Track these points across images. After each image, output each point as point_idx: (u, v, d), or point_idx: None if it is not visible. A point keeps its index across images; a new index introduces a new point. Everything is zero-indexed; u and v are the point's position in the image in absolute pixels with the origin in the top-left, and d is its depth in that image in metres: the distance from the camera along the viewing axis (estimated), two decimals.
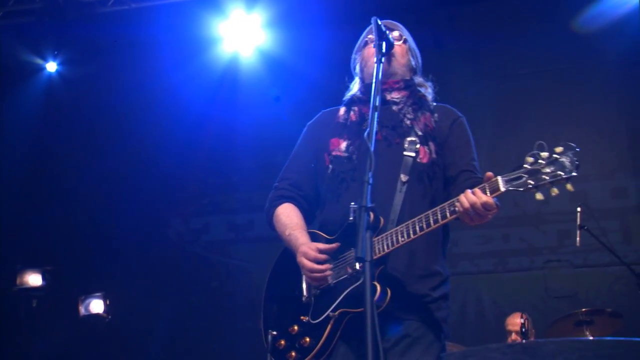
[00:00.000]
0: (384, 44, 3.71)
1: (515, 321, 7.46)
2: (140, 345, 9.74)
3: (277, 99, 9.79)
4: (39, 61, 10.49)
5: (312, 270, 3.71)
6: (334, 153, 3.98)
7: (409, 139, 3.85)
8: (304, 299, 3.82)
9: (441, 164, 3.88)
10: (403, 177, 3.76)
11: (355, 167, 3.86)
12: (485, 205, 3.36)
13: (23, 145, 10.40)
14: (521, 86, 9.31)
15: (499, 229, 9.07)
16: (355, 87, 4.16)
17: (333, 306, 3.66)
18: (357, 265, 3.54)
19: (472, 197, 3.38)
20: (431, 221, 3.48)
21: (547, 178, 3.24)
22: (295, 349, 3.76)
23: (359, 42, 4.23)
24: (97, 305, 9.35)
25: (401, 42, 4.10)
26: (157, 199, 10.07)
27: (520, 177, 3.30)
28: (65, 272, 9.84)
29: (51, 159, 10.68)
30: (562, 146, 3.25)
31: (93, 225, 10.20)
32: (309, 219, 4.09)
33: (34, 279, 9.41)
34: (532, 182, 3.27)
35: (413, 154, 3.81)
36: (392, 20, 4.22)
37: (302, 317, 3.79)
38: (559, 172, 3.22)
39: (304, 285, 3.84)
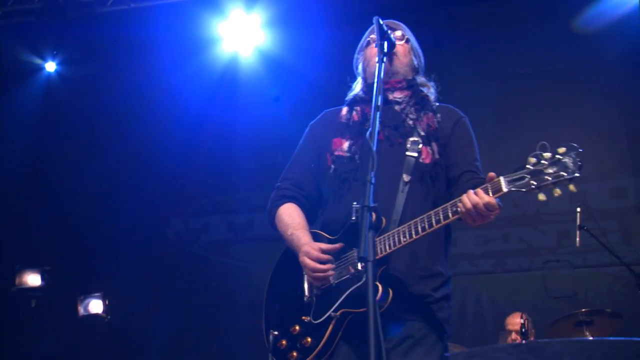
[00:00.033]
0: (385, 43, 3.71)
1: (515, 321, 7.47)
2: (139, 346, 9.74)
3: (276, 99, 9.79)
4: (38, 61, 10.47)
5: (315, 270, 3.70)
6: (336, 153, 3.97)
7: (411, 139, 3.85)
8: (305, 299, 3.82)
9: (443, 164, 3.88)
10: (405, 178, 3.76)
11: (358, 167, 3.85)
12: (487, 205, 3.36)
13: (22, 145, 10.39)
14: (521, 86, 9.32)
15: (499, 230, 9.07)
16: (357, 87, 4.16)
17: (335, 306, 3.66)
18: (359, 266, 3.53)
19: (474, 197, 3.37)
20: (433, 221, 3.47)
21: (550, 179, 3.23)
22: (297, 349, 3.76)
23: (361, 42, 4.23)
24: (96, 306, 9.34)
25: (403, 41, 4.10)
26: (156, 199, 10.07)
27: (522, 178, 3.29)
28: (64, 272, 9.82)
29: (50, 159, 10.68)
30: (565, 147, 3.24)
31: (92, 225, 10.19)
32: (311, 219, 4.08)
33: (32, 279, 9.40)
34: (535, 183, 3.26)
35: (415, 154, 3.81)
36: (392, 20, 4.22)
37: (303, 317, 3.79)
38: (562, 173, 3.21)
39: (306, 285, 3.83)
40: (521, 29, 9.26)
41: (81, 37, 9.99)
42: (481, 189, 3.38)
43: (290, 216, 4.01)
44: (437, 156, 3.86)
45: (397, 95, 4.00)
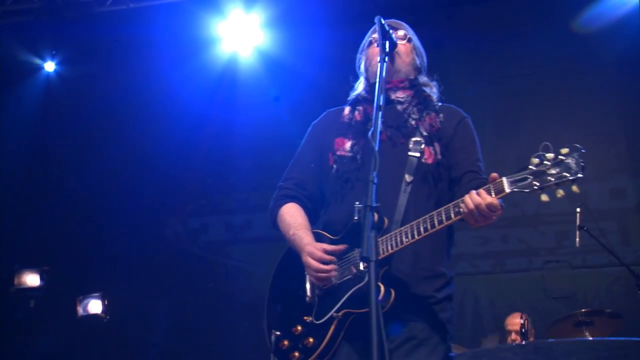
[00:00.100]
0: (387, 43, 3.71)
1: (515, 321, 7.47)
2: (138, 346, 9.73)
3: (276, 99, 9.77)
4: (37, 61, 10.46)
5: (318, 271, 3.69)
6: (338, 153, 3.97)
7: (413, 139, 3.84)
8: (307, 299, 3.81)
9: (446, 164, 3.87)
10: (407, 178, 3.75)
11: (360, 167, 3.85)
12: (490, 206, 3.35)
13: (21, 145, 10.38)
14: (520, 87, 9.32)
15: (498, 230, 9.07)
16: (360, 86, 4.16)
17: (337, 307, 3.65)
18: (362, 266, 3.53)
19: (476, 198, 3.36)
20: (435, 222, 3.46)
21: (553, 179, 3.22)
22: (299, 349, 3.75)
23: (363, 42, 4.23)
24: (95, 306, 9.33)
25: (405, 41, 4.10)
26: (155, 199, 10.05)
27: (525, 179, 3.28)
28: (63, 272, 9.81)
29: (49, 159, 10.67)
30: (567, 147, 3.23)
31: (91, 226, 10.19)
32: (313, 218, 4.07)
33: (31, 279, 9.39)
34: (538, 184, 3.25)
35: (418, 155, 3.80)
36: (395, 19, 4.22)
37: (305, 318, 3.78)
38: (565, 174, 3.20)
39: (308, 285, 3.83)
40: (521, 29, 9.27)
41: (80, 37, 9.97)
42: (484, 189, 3.38)
43: (292, 216, 4.00)
44: (439, 156, 3.85)
45: (399, 95, 4.00)
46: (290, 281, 3.95)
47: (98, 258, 9.99)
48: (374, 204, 3.07)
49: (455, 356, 6.14)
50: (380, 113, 3.37)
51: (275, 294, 4.09)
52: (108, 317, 9.38)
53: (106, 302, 9.37)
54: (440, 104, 4.06)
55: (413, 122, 3.90)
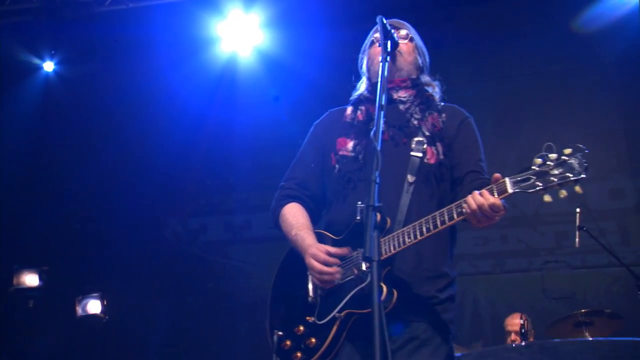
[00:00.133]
0: (389, 42, 3.69)
1: (515, 322, 7.46)
2: (137, 346, 9.73)
3: (276, 99, 9.77)
4: (36, 60, 10.46)
5: (321, 273, 3.68)
6: (340, 153, 3.96)
7: (416, 139, 3.83)
8: (309, 299, 3.80)
9: (448, 164, 3.86)
10: (410, 178, 3.74)
11: (362, 167, 3.84)
12: (492, 206, 3.34)
13: (20, 145, 10.36)
14: (520, 87, 9.33)
15: (497, 230, 9.07)
16: (362, 86, 4.14)
17: (339, 307, 3.64)
18: (364, 266, 3.53)
19: (479, 198, 3.36)
20: (438, 222, 3.46)
21: (556, 180, 3.22)
22: (301, 349, 3.74)
23: (365, 42, 4.22)
24: (94, 306, 9.32)
25: (407, 40, 4.09)
26: (154, 199, 10.05)
27: (528, 179, 3.28)
28: (62, 272, 9.80)
29: (48, 158, 10.65)
30: (570, 148, 3.24)
31: (90, 226, 10.19)
32: (316, 218, 4.06)
33: (30, 279, 9.37)
34: (540, 184, 3.25)
35: (420, 155, 3.79)
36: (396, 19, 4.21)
37: (307, 318, 3.77)
38: (568, 174, 3.21)
39: (310, 286, 3.81)
40: (521, 29, 9.27)
41: (79, 37, 9.98)
42: (486, 190, 3.37)
43: (295, 216, 3.99)
44: (441, 156, 3.84)
45: (401, 95, 3.99)
46: (292, 281, 3.93)
47: (97, 258, 9.99)
48: (377, 204, 3.06)
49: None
50: (382, 112, 3.34)
51: (277, 294, 4.06)
52: (107, 317, 9.37)
53: (105, 302, 9.36)
54: (442, 103, 4.05)
55: (415, 122, 3.89)
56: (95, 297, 9.33)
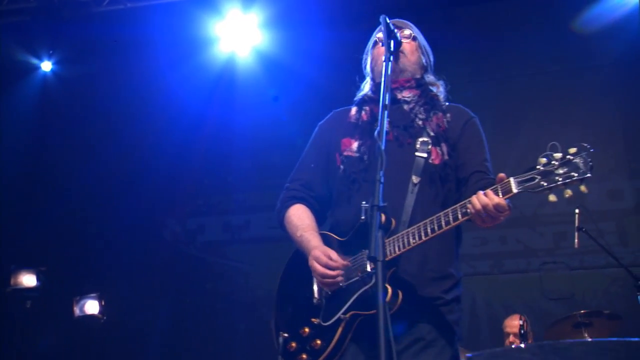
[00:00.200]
0: (392, 42, 3.69)
1: (514, 323, 7.44)
2: (135, 347, 9.70)
3: (275, 99, 9.75)
4: (34, 60, 10.45)
5: (324, 276, 3.68)
6: (345, 153, 3.95)
7: (420, 139, 3.83)
8: (315, 300, 3.79)
9: (453, 165, 3.85)
10: (415, 179, 3.74)
11: (367, 168, 3.83)
12: (497, 207, 3.34)
13: (18, 145, 10.34)
14: (520, 87, 9.32)
15: (496, 231, 9.05)
16: (366, 87, 4.14)
17: (344, 308, 3.63)
18: (369, 267, 3.53)
19: (484, 198, 3.35)
20: (443, 223, 3.45)
21: (561, 179, 3.22)
22: (306, 351, 3.73)
23: (369, 42, 4.21)
24: (92, 306, 9.28)
25: (410, 39, 4.09)
26: (152, 199, 10.01)
27: (533, 179, 3.27)
28: (59, 272, 9.75)
29: (46, 158, 10.63)
30: (575, 147, 3.23)
31: (88, 226, 10.15)
32: (321, 219, 4.05)
33: (28, 280, 9.33)
34: (545, 184, 3.24)
35: (425, 155, 3.78)
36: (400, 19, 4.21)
37: (313, 319, 3.75)
38: (573, 174, 3.20)
39: (315, 287, 3.80)
40: (521, 29, 9.27)
41: (77, 37, 9.95)
42: (491, 190, 3.36)
43: (300, 218, 3.98)
44: (446, 157, 3.84)
45: (405, 95, 3.98)
46: (297, 283, 3.91)
47: (95, 258, 9.97)
48: (381, 204, 3.05)
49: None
50: (386, 112, 3.33)
51: (282, 295, 4.05)
52: (105, 317, 9.33)
53: (103, 303, 9.32)
54: (447, 103, 4.04)
55: (420, 122, 3.89)
56: (93, 298, 9.29)
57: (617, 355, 5.52)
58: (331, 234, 3.90)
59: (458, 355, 3.78)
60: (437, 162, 3.81)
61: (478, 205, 3.36)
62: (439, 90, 4.05)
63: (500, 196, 3.34)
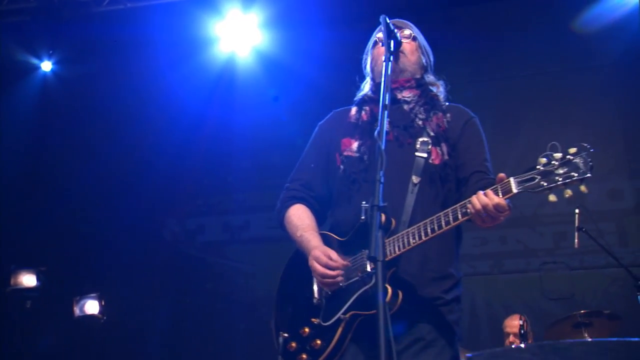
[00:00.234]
0: (392, 42, 3.68)
1: (514, 323, 7.43)
2: (135, 346, 9.70)
3: (275, 99, 9.75)
4: (34, 60, 10.43)
5: (324, 276, 3.68)
6: (345, 153, 3.95)
7: (420, 139, 3.83)
8: (315, 300, 3.78)
9: (453, 165, 3.85)
10: (415, 179, 3.74)
11: (367, 168, 3.82)
12: (497, 206, 3.34)
13: (17, 145, 10.32)
14: (520, 87, 9.31)
15: (495, 231, 9.04)
16: (366, 87, 4.14)
17: (344, 308, 3.63)
18: (369, 267, 3.53)
19: (484, 198, 3.35)
20: (443, 223, 3.45)
21: (561, 179, 3.21)
22: (306, 351, 3.73)
23: (369, 43, 4.21)
24: (92, 306, 9.27)
25: (410, 39, 4.09)
26: (152, 199, 10.00)
27: (533, 179, 3.27)
28: (59, 272, 9.75)
29: (46, 159, 10.62)
30: (575, 147, 3.23)
31: (88, 226, 10.14)
32: (321, 220, 4.05)
33: (28, 280, 9.33)
34: (545, 184, 3.24)
35: (425, 155, 3.78)
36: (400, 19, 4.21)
37: (313, 319, 3.75)
38: (573, 174, 3.20)
39: (315, 287, 3.80)
40: (520, 30, 9.26)
41: (77, 37, 9.94)
42: (491, 190, 3.36)
43: (300, 218, 3.98)
44: (446, 157, 3.83)
45: (405, 95, 3.97)
46: (297, 283, 3.91)
47: (95, 258, 9.96)
48: (381, 204, 3.05)
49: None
50: (386, 112, 3.33)
51: (282, 295, 4.05)
52: (105, 317, 9.33)
53: (103, 303, 9.31)
54: (447, 103, 4.04)
55: (420, 122, 3.88)
56: (93, 298, 9.28)
57: (617, 356, 5.51)
58: (331, 234, 3.90)
59: (458, 355, 3.78)
60: (437, 162, 3.81)
61: (478, 205, 3.36)
62: (439, 90, 4.05)
63: (500, 196, 3.34)
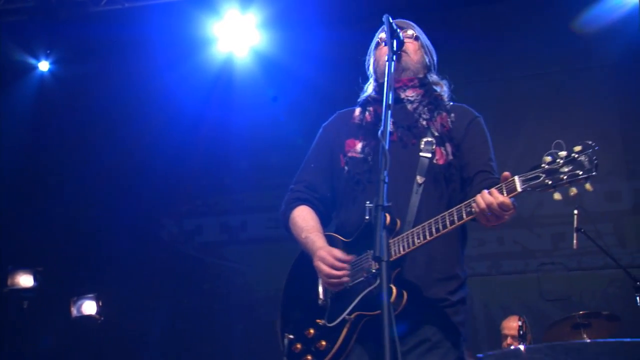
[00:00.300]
0: (395, 42, 3.67)
1: (512, 325, 7.42)
2: (133, 347, 9.69)
3: (274, 99, 9.74)
4: (32, 60, 10.41)
5: (330, 276, 3.67)
6: (349, 154, 3.94)
7: (425, 139, 3.81)
8: (320, 301, 3.77)
9: (458, 165, 3.84)
10: (419, 179, 3.72)
11: (371, 169, 3.81)
12: (501, 205, 3.32)
13: (15, 145, 10.29)
14: (519, 88, 9.32)
15: (494, 232, 9.04)
16: (369, 87, 4.13)
17: (349, 309, 3.62)
18: (373, 267, 3.52)
19: (488, 197, 3.34)
20: (447, 222, 3.43)
21: (566, 177, 3.19)
22: (312, 352, 3.72)
23: (371, 43, 4.20)
24: (89, 307, 9.28)
25: (413, 39, 4.08)
26: (150, 199, 10.00)
27: (537, 177, 3.25)
28: (57, 272, 9.75)
29: (43, 158, 10.60)
30: (580, 145, 3.23)
31: (85, 226, 10.13)
32: (326, 221, 4.04)
33: (25, 280, 9.32)
34: (550, 182, 3.22)
35: (429, 155, 3.77)
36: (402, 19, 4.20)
37: (318, 321, 3.74)
38: (578, 172, 3.18)
39: (320, 288, 3.79)
40: (520, 30, 9.26)
41: (75, 37, 9.91)
42: (495, 188, 3.35)
43: (304, 219, 3.97)
44: (450, 157, 3.82)
45: (409, 94, 3.96)
46: (303, 284, 3.90)
47: (92, 259, 9.95)
48: (386, 204, 3.04)
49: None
50: (389, 112, 3.32)
51: (288, 296, 4.03)
52: (102, 318, 9.33)
53: (100, 303, 9.31)
54: (451, 103, 4.03)
55: (424, 122, 3.87)
56: (90, 298, 9.29)
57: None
58: (336, 235, 3.88)
59: (464, 357, 3.75)
60: (441, 162, 3.79)
61: (482, 204, 3.34)
62: (443, 89, 4.04)
63: (505, 195, 3.32)
